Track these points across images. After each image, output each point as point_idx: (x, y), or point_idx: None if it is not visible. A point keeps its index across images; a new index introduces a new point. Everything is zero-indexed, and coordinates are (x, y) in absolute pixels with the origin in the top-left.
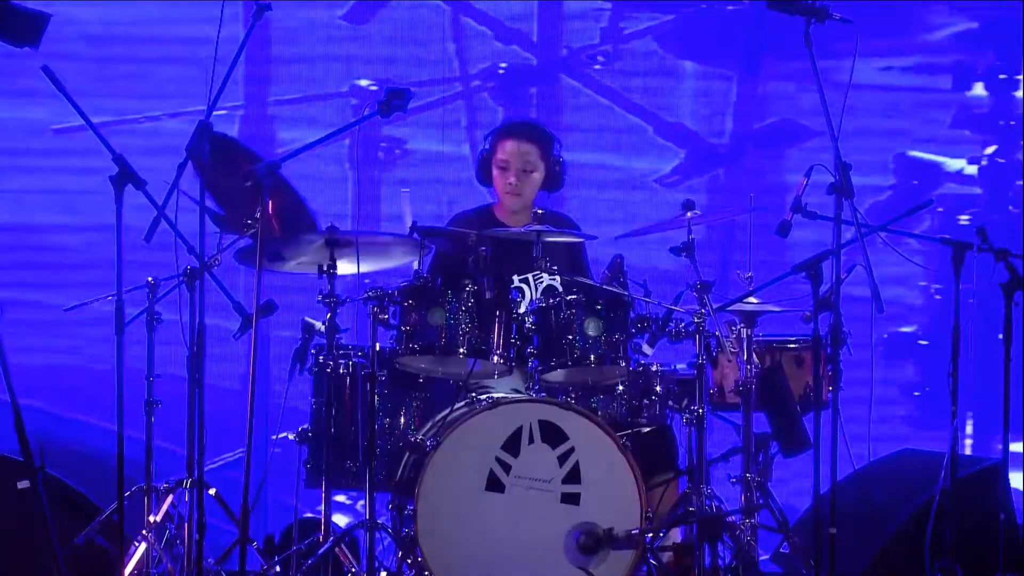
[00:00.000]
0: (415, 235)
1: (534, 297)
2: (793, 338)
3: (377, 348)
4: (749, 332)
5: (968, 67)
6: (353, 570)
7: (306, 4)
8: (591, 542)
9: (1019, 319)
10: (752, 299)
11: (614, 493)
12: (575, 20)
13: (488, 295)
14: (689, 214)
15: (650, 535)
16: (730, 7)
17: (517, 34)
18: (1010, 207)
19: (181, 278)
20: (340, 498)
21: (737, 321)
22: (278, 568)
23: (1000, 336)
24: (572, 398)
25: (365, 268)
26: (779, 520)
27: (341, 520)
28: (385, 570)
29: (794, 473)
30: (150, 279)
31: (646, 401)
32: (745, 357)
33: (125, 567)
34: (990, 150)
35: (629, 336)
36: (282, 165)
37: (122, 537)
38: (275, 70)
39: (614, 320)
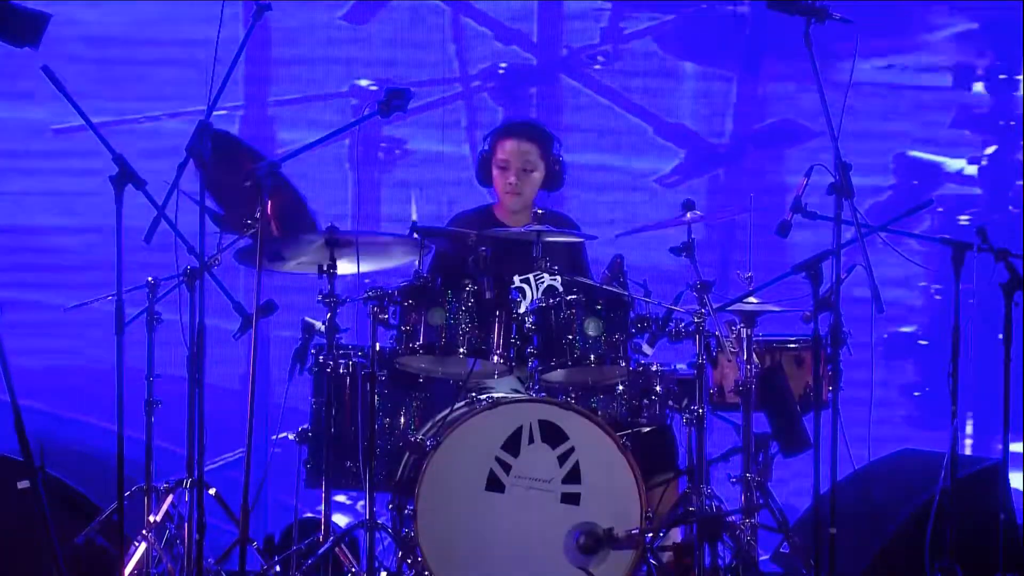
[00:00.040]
0: (415, 235)
1: (535, 297)
2: (793, 338)
3: (377, 348)
4: (749, 332)
5: (968, 67)
6: (353, 570)
7: (306, 4)
8: (591, 542)
9: (1019, 319)
10: (752, 299)
11: (614, 493)
12: (575, 20)
13: (488, 295)
14: (688, 215)
15: (650, 535)
16: (730, 7)
17: (517, 34)
18: (1010, 207)
19: (181, 278)
20: (340, 498)
21: (737, 321)
22: (278, 568)
23: (1000, 336)
24: (572, 398)
25: (365, 268)
26: (779, 520)
27: (341, 520)
28: (385, 570)
29: (794, 473)
30: (150, 279)
31: (646, 401)
32: (745, 357)
33: (125, 567)
34: (990, 150)
35: (629, 336)
36: (282, 165)
37: (122, 537)
38: (275, 70)
39: (614, 320)
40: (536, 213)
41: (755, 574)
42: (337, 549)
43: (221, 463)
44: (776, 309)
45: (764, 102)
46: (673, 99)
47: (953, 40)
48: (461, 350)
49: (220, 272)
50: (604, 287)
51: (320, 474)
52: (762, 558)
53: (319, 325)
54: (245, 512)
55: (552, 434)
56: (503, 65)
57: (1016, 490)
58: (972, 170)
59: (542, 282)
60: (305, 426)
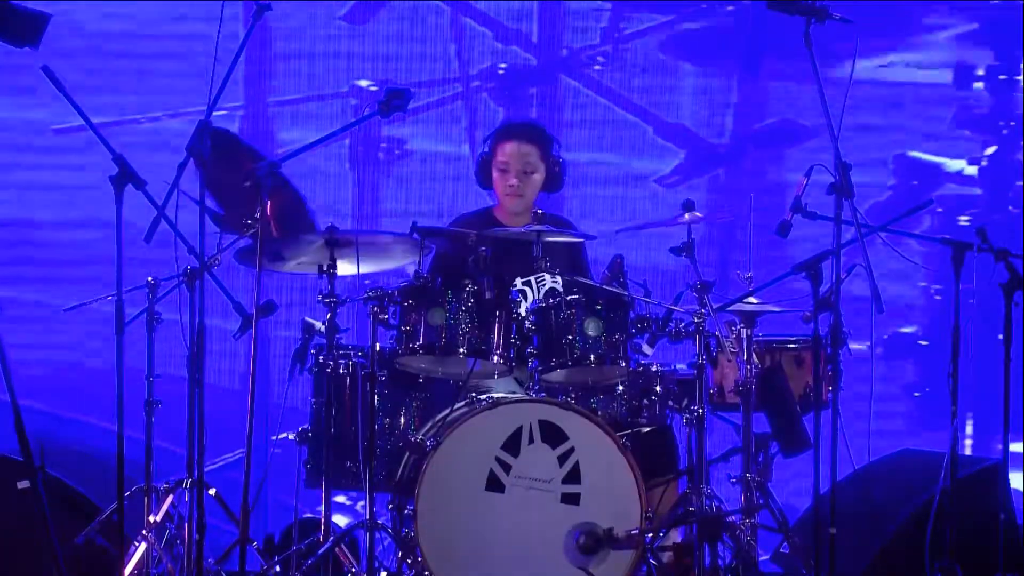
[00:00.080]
0: (415, 235)
1: (536, 299)
2: (793, 338)
3: (377, 348)
4: (749, 332)
5: (968, 67)
6: (353, 570)
7: (306, 4)
8: (591, 542)
9: (1019, 319)
10: (752, 299)
11: (614, 493)
12: (575, 20)
13: (488, 295)
14: (687, 216)
15: (650, 535)
16: (730, 7)
17: (517, 34)
18: (1010, 207)
19: (181, 278)
20: (340, 498)
21: (737, 321)
22: (278, 568)
23: (1000, 336)
24: (572, 398)
25: (365, 269)
26: (779, 520)
27: (341, 520)
28: (385, 570)
29: (794, 473)
30: (150, 279)
31: (646, 401)
32: (745, 357)
33: (125, 567)
34: (990, 150)
35: (629, 336)
36: (282, 165)
37: (122, 537)
38: (275, 70)
39: (614, 320)
40: (536, 213)
41: (755, 574)
42: (337, 549)
43: (221, 463)
44: (776, 309)
45: (764, 102)
46: (673, 99)
47: (953, 40)
48: (461, 350)
49: (220, 272)
50: (604, 287)
51: (320, 474)
52: (762, 558)
53: (319, 325)
54: (245, 512)
55: (552, 434)
56: (503, 65)
57: (1016, 490)
58: (972, 170)
59: (543, 284)
60: (305, 426)
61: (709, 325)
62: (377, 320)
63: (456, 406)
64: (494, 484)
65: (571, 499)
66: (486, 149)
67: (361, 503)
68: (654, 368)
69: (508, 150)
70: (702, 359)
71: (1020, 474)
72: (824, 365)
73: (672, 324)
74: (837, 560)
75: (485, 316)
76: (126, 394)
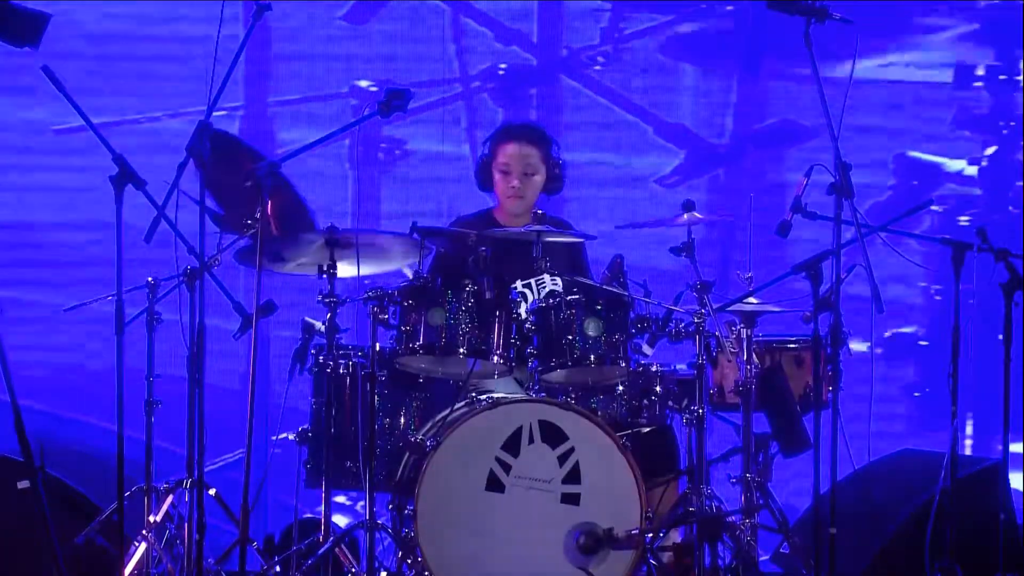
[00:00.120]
0: (415, 235)
1: (536, 300)
2: (793, 338)
3: (377, 348)
4: (749, 332)
5: (968, 67)
6: (353, 570)
7: (306, 4)
8: (591, 542)
9: (1019, 319)
10: (752, 299)
11: (614, 493)
12: (575, 20)
13: (488, 295)
14: (686, 216)
15: (650, 535)
16: (730, 7)
17: (517, 34)
18: (1010, 207)
19: (181, 278)
20: (340, 498)
21: (737, 321)
22: (278, 568)
23: (1000, 336)
24: (572, 398)
25: (366, 271)
26: (779, 520)
27: (341, 520)
28: (385, 570)
29: (794, 473)
30: (150, 279)
31: (646, 401)
32: (745, 357)
33: (125, 567)
34: (990, 150)
35: (629, 336)
36: (282, 165)
37: (122, 537)
38: (275, 70)
39: (614, 320)
40: (536, 214)
41: (755, 574)
42: (337, 549)
43: (221, 463)
44: (776, 309)
45: (764, 102)
46: (673, 99)
47: (953, 40)
48: (461, 350)
49: (220, 272)
50: (604, 287)
51: (320, 474)
52: (762, 558)
53: (319, 325)
54: (245, 512)
55: (552, 434)
56: (503, 65)
57: (1016, 490)
58: (972, 170)
59: (543, 286)
60: (305, 426)
61: (709, 325)
62: (377, 320)
63: (456, 406)
64: (494, 484)
65: (571, 499)
66: (486, 151)
67: (361, 503)
68: (654, 368)
69: (509, 151)
70: (702, 359)
71: (1020, 474)
72: (824, 365)
73: (672, 324)
74: (837, 560)
75: (485, 316)
76: (126, 394)
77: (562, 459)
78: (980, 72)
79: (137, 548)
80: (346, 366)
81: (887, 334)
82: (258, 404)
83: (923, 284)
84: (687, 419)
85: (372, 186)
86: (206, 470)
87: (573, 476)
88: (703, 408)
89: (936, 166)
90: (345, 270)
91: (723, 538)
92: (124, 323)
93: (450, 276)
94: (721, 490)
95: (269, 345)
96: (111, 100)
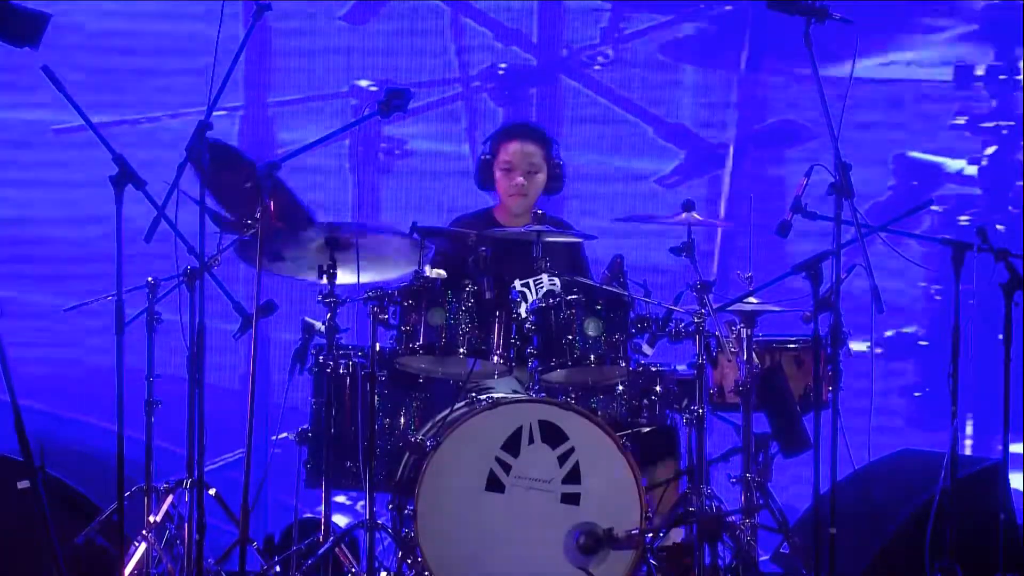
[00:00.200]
0: (415, 235)
1: (535, 299)
2: (793, 338)
3: (377, 348)
4: (749, 332)
5: (968, 67)
6: (353, 570)
7: (306, 4)
8: (591, 542)
9: (1019, 319)
10: (752, 299)
11: (614, 493)
12: (575, 20)
13: (488, 295)
14: (684, 215)
15: (650, 535)
16: (729, 7)
17: (517, 34)
18: (1010, 207)
19: (181, 278)
20: (340, 498)
21: (737, 321)
22: (278, 568)
23: (1000, 336)
24: (572, 398)
25: (366, 278)
26: (779, 520)
27: (341, 520)
28: (385, 570)
29: (794, 473)
30: (150, 279)
31: (646, 401)
32: (745, 357)
33: (125, 567)
34: (990, 150)
35: (629, 336)
36: (282, 166)
37: (122, 537)
38: (275, 70)
39: (614, 320)
40: (536, 214)
41: (755, 574)
42: (337, 549)
43: (221, 463)
44: (776, 309)
45: (764, 102)
46: (673, 99)
47: (953, 40)
48: (461, 350)
49: (220, 272)
50: (604, 287)
51: (320, 474)
52: (762, 558)
53: (319, 325)
54: (245, 512)
55: (552, 434)
56: (503, 65)
57: (1016, 490)
58: (972, 170)
59: (541, 286)
60: (305, 426)
61: (709, 325)
62: (377, 320)
63: (456, 406)
64: (494, 484)
65: (571, 499)
66: (487, 150)
67: (361, 503)
68: (654, 368)
69: (512, 150)
70: (702, 359)
71: (1020, 474)
72: (824, 365)
73: (672, 324)
74: (837, 560)
75: (485, 316)
76: (126, 394)
77: (562, 459)
78: (980, 72)
79: (137, 548)
80: (346, 366)
81: (887, 334)
82: (258, 404)
83: (923, 284)
84: (687, 419)
85: (372, 186)
86: (206, 470)
87: (573, 476)
88: (703, 408)
89: (936, 166)
90: (345, 277)
91: (723, 538)
92: (124, 323)
93: (450, 276)
94: (721, 490)
95: (269, 345)
96: (111, 100)
